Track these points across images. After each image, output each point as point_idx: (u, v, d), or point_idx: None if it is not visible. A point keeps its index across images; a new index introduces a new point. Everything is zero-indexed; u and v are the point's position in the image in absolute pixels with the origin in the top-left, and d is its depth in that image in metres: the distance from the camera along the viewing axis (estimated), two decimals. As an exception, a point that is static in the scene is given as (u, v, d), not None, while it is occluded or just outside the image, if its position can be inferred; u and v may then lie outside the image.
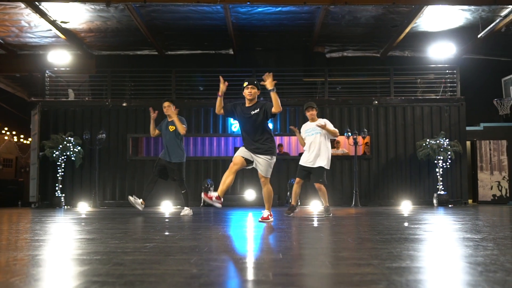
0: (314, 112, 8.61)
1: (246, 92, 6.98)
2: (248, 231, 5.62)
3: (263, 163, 6.94)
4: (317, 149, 8.41)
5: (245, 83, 7.00)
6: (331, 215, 8.50)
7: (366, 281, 2.36)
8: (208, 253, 3.44)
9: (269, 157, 6.95)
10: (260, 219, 7.10)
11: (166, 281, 2.37)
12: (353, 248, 3.76)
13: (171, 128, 8.94)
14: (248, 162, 6.99)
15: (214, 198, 6.72)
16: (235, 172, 6.90)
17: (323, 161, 8.41)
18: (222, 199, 6.80)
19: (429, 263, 2.94)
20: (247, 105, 7.02)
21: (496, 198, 16.44)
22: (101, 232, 5.26)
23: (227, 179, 6.84)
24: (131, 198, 9.04)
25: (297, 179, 8.60)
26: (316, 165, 8.39)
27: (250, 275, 2.60)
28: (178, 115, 9.01)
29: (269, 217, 7.09)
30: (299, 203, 14.82)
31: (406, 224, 6.37)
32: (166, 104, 8.99)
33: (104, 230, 5.46)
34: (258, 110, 6.93)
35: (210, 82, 16.56)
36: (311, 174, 8.52)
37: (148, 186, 9.13)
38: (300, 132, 8.77)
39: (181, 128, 8.86)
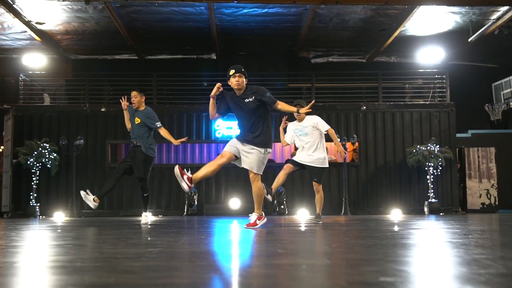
0: None
1: (233, 81, 6.29)
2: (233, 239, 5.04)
3: (254, 157, 6.25)
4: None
5: (232, 71, 6.29)
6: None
7: None
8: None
9: (262, 150, 6.27)
10: (246, 226, 6.47)
11: None
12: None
13: (137, 120, 8.26)
14: (236, 158, 6.35)
15: (185, 178, 6.04)
16: (220, 166, 6.28)
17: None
18: (192, 186, 6.17)
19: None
20: (237, 94, 6.38)
21: (485, 206, 16.08)
22: (88, 238, 4.62)
23: (209, 168, 6.24)
24: (82, 193, 7.91)
25: None
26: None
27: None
28: (147, 106, 8.45)
29: (257, 222, 6.43)
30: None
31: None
32: (134, 93, 8.36)
33: (94, 236, 4.82)
34: (252, 98, 6.28)
35: (193, 87, 15.97)
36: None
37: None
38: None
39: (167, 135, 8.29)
